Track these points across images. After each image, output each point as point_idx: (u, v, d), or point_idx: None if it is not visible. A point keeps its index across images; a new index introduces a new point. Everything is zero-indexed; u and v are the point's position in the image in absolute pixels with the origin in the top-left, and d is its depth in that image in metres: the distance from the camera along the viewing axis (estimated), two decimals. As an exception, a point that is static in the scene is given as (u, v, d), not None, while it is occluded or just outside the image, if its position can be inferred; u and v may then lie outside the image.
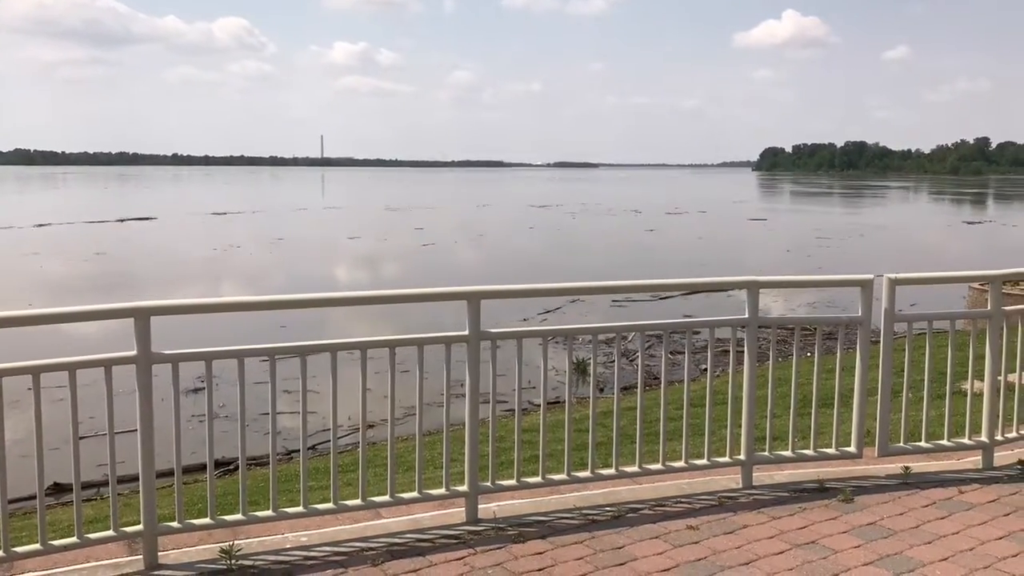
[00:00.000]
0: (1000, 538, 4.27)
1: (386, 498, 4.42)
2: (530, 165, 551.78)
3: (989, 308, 5.36)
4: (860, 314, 5.07)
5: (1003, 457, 5.42)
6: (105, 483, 4.03)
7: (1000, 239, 43.87)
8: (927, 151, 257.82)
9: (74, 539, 3.87)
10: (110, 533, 3.95)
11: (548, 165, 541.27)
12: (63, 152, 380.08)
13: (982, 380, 5.42)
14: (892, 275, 5.11)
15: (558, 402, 10.92)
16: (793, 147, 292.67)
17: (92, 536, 3.93)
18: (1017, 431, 5.51)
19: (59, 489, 8.61)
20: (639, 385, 4.97)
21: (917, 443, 5.33)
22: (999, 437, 5.41)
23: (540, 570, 3.91)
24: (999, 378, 5.35)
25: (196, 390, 11.05)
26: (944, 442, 5.37)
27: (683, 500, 4.77)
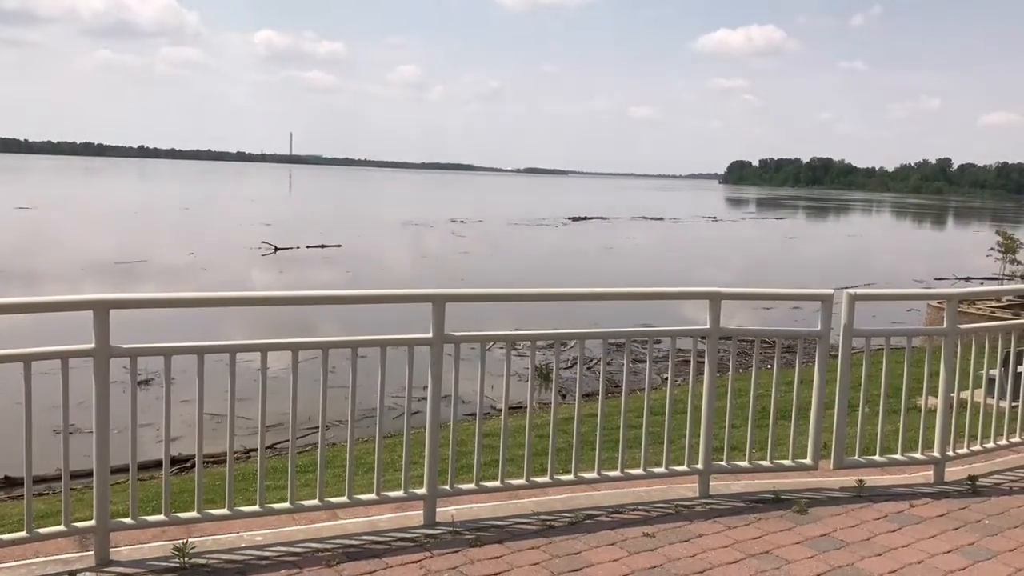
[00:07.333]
0: (948, 551, 4.36)
1: (343, 499, 4.40)
2: (501, 170, 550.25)
3: (945, 326, 5.47)
4: (820, 328, 5.15)
5: (954, 472, 5.52)
6: (58, 478, 3.97)
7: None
8: (891, 169, 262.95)
9: (23, 533, 3.80)
10: (61, 528, 3.88)
11: (518, 171, 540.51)
12: (25, 140, 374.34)
13: (936, 396, 5.52)
14: (852, 291, 5.20)
15: (520, 407, 10.93)
16: (760, 161, 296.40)
17: (42, 531, 3.86)
18: (968, 447, 5.63)
19: (10, 483, 8.44)
20: (600, 392, 4.99)
21: (871, 457, 5.41)
22: (951, 453, 5.52)
23: (496, 574, 3.91)
24: (952, 395, 5.45)
25: (146, 381, 10.84)
26: (897, 456, 5.47)
27: (640, 508, 4.80)
